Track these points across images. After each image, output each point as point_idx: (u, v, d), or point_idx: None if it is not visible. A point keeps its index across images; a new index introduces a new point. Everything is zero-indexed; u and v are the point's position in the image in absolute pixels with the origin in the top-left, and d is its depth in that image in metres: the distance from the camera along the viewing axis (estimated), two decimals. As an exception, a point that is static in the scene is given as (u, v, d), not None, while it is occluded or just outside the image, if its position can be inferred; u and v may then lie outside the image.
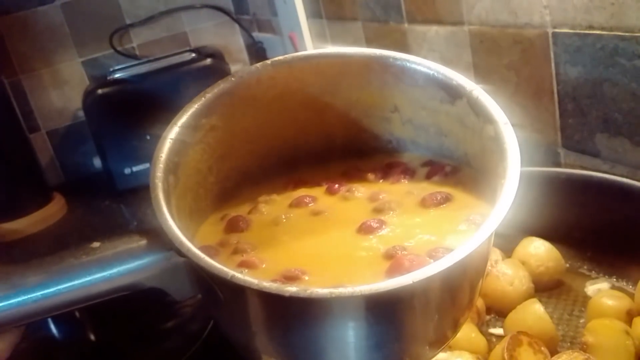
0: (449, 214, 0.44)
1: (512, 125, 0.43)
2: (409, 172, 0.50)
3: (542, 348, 0.51)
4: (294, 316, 0.37)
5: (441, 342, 0.42)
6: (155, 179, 0.42)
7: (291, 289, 0.34)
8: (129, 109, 1.21)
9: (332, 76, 0.50)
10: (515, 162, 0.40)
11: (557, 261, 0.63)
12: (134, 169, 1.21)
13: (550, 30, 0.65)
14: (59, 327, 0.88)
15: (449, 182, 0.47)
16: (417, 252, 0.40)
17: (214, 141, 0.48)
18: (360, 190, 0.49)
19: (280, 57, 0.50)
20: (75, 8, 1.32)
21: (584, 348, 0.51)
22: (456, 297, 0.40)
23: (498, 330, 0.60)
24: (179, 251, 0.38)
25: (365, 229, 0.43)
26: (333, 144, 0.53)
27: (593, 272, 0.64)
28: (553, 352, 0.52)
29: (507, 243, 0.66)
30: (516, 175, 0.40)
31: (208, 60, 1.24)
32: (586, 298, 0.61)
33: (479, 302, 0.61)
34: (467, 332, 0.55)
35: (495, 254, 0.66)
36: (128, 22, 1.37)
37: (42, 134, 1.36)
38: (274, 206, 0.49)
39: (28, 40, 1.30)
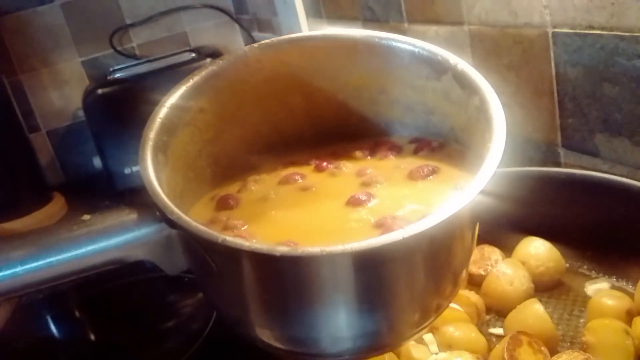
0: (437, 185, 0.45)
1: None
2: (396, 149, 0.51)
3: (542, 348, 0.51)
4: (286, 279, 0.37)
5: (430, 311, 0.42)
6: (145, 154, 0.42)
7: (282, 249, 0.34)
8: (129, 109, 1.20)
9: (319, 59, 0.50)
10: (501, 127, 0.41)
11: (557, 261, 0.63)
12: (134, 169, 1.21)
13: (550, 30, 0.65)
14: (59, 327, 0.88)
15: (436, 157, 0.48)
16: (408, 220, 0.40)
17: (203, 124, 0.49)
18: (348, 167, 0.49)
19: (267, 40, 0.50)
20: (75, 8, 1.32)
21: (584, 348, 0.51)
22: (447, 259, 0.40)
23: (498, 330, 0.60)
24: (169, 220, 0.38)
25: (354, 202, 0.43)
26: (322, 128, 0.54)
27: (593, 272, 0.64)
28: (553, 352, 0.52)
29: (507, 243, 0.66)
30: (502, 139, 0.40)
31: (208, 60, 1.24)
32: (586, 298, 0.61)
33: (479, 302, 0.61)
34: (467, 332, 0.55)
35: (495, 254, 0.66)
36: (128, 22, 1.37)
37: (42, 134, 1.36)
38: (263, 184, 0.49)
39: (28, 40, 1.30)
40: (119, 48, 1.37)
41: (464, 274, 0.44)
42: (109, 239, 0.40)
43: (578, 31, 0.62)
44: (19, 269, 0.39)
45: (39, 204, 1.18)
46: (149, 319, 0.82)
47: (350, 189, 0.45)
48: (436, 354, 0.54)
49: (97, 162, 1.29)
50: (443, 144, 0.49)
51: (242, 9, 1.43)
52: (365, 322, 0.39)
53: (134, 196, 1.19)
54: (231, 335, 0.72)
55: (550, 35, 0.65)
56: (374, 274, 0.37)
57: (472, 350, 0.53)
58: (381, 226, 0.40)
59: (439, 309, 0.43)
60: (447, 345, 0.54)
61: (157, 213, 0.39)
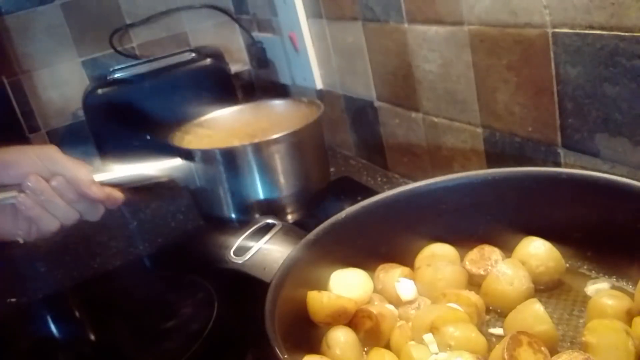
0: None
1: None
2: None
3: (542, 348, 0.51)
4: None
5: None
6: None
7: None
8: (129, 109, 1.21)
9: None
10: None
11: (557, 261, 0.63)
12: (134, 169, 1.21)
13: (550, 30, 0.65)
14: (59, 327, 0.88)
15: None
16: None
17: None
18: None
19: None
20: (75, 8, 1.32)
21: (584, 348, 0.51)
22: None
23: (498, 330, 0.60)
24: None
25: None
26: None
27: (593, 272, 0.64)
28: (553, 352, 0.52)
29: (507, 243, 0.66)
30: None
31: (208, 60, 1.24)
32: (586, 298, 0.61)
33: (479, 302, 0.61)
34: (467, 332, 0.55)
35: (495, 254, 0.66)
36: (128, 22, 1.37)
37: (42, 134, 1.36)
38: None
39: (28, 40, 1.30)
40: (119, 48, 1.37)
41: None
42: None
43: (578, 31, 0.62)
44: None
45: (39, 204, 1.18)
46: (149, 319, 0.82)
47: None
48: (436, 354, 0.54)
49: (97, 162, 1.29)
50: None
51: (242, 9, 1.43)
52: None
53: (134, 197, 1.19)
54: (231, 335, 0.72)
55: (550, 35, 0.65)
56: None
57: (472, 350, 0.53)
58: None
59: None
60: (447, 345, 0.54)
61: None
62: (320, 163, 0.97)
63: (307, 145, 0.92)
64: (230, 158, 0.88)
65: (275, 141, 0.87)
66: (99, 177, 0.69)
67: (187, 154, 0.87)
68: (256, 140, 0.90)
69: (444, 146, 0.90)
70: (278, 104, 1.05)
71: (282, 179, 0.89)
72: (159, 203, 1.16)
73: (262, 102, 1.08)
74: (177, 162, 0.83)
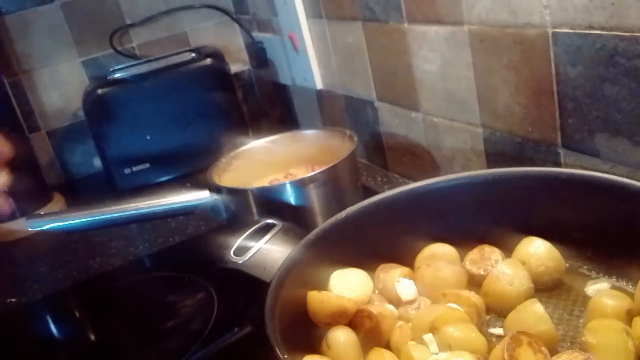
0: None
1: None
2: None
3: (542, 348, 0.51)
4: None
5: None
6: None
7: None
8: (129, 109, 1.21)
9: None
10: None
11: (557, 261, 0.63)
12: (134, 169, 1.21)
13: (550, 30, 0.65)
14: (59, 327, 0.88)
15: None
16: None
17: None
18: None
19: None
20: (75, 8, 1.32)
21: (584, 348, 0.51)
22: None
23: (498, 330, 0.60)
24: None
25: None
26: None
27: (593, 272, 0.64)
28: (553, 352, 0.52)
29: (507, 243, 0.66)
30: None
31: (208, 60, 1.24)
32: (586, 298, 0.61)
33: (479, 302, 0.61)
34: (467, 332, 0.55)
35: (495, 254, 0.66)
36: (128, 22, 1.37)
37: (42, 134, 1.36)
38: None
39: (28, 40, 1.30)
40: (119, 48, 1.37)
41: None
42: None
43: (578, 31, 0.62)
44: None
45: (39, 204, 1.18)
46: (149, 319, 0.82)
47: None
48: (436, 354, 0.54)
49: (97, 162, 1.29)
50: None
51: (242, 9, 1.43)
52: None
53: (134, 197, 1.19)
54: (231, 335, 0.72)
55: (550, 35, 0.65)
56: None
57: (472, 350, 0.53)
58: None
59: None
60: (447, 345, 0.54)
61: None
62: (355, 196, 0.90)
63: (342, 181, 0.88)
64: (263, 196, 0.84)
65: (310, 179, 0.84)
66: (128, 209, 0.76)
67: (216, 189, 0.85)
68: (290, 179, 0.91)
69: (444, 146, 0.90)
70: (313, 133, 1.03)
71: (319, 217, 0.85)
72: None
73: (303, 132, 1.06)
74: (204, 194, 0.80)
